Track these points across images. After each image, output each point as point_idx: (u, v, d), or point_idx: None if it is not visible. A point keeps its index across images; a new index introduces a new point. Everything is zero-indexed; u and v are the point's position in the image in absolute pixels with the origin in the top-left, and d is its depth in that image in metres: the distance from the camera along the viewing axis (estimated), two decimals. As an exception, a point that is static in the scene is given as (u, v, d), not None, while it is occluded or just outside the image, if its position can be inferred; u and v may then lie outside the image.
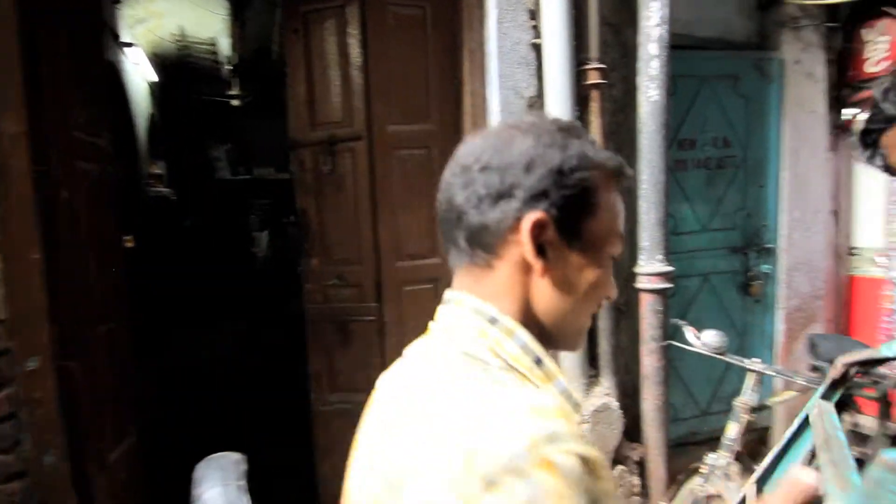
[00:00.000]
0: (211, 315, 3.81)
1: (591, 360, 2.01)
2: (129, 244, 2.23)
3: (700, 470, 1.59)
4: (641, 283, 1.95)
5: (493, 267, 0.51)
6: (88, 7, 1.99)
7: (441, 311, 0.55)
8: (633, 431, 2.03)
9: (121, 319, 1.92)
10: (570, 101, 1.94)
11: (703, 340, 1.64)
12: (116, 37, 3.39)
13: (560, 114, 1.94)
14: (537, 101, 2.02)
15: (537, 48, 2.00)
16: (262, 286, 4.18)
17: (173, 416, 2.84)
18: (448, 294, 0.55)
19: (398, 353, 2.16)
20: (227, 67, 5.42)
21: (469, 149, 0.53)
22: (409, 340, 2.06)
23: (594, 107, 2.02)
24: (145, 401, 2.24)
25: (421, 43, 2.07)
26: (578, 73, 1.99)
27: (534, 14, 1.99)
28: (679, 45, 2.19)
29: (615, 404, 1.94)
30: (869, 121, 0.77)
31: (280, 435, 2.67)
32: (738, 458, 1.56)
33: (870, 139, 0.80)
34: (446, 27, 2.08)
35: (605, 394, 1.96)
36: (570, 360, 1.95)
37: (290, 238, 4.51)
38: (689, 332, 1.72)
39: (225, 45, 5.35)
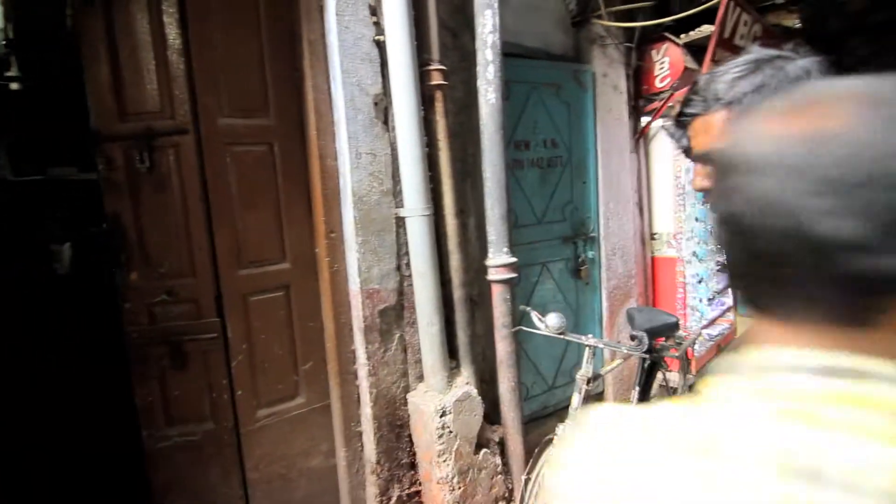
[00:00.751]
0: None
1: (451, 353, 2.07)
2: None
3: (553, 441, 1.74)
4: (491, 274, 2.07)
5: (875, 325, 0.36)
6: None
7: (850, 389, 0.35)
8: (492, 414, 2.15)
9: None
10: (415, 100, 1.96)
11: (547, 323, 1.80)
12: None
13: (407, 113, 1.95)
14: (384, 99, 2.01)
15: (380, 45, 1.98)
16: (67, 309, 3.47)
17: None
18: (841, 361, 0.36)
19: (248, 372, 1.96)
20: (0, 43, 4.37)
21: (838, 148, 0.34)
22: (261, 355, 1.88)
23: (438, 107, 2.08)
24: None
25: (253, 30, 1.90)
26: (422, 74, 2.02)
27: (374, 10, 1.96)
28: (510, 53, 2.37)
29: (475, 392, 2.03)
30: (688, 104, 0.82)
31: (105, 483, 2.25)
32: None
33: (684, 120, 0.84)
34: (282, 15, 1.94)
35: (465, 383, 2.04)
36: (432, 354, 1.98)
37: (101, 250, 3.82)
38: (534, 317, 1.87)
39: (-5, 15, 4.31)
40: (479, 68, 2.08)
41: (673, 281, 3.07)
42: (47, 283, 3.82)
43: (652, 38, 3.20)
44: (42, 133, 4.57)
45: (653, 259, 3.19)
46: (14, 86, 4.45)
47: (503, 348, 2.10)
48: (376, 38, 1.98)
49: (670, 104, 3.25)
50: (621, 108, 3.06)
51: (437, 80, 2.06)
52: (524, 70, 2.61)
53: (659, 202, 3.24)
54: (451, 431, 1.96)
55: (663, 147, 3.22)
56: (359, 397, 2.01)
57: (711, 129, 0.79)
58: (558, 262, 2.75)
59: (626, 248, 2.99)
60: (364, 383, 1.97)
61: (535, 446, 2.02)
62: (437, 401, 1.95)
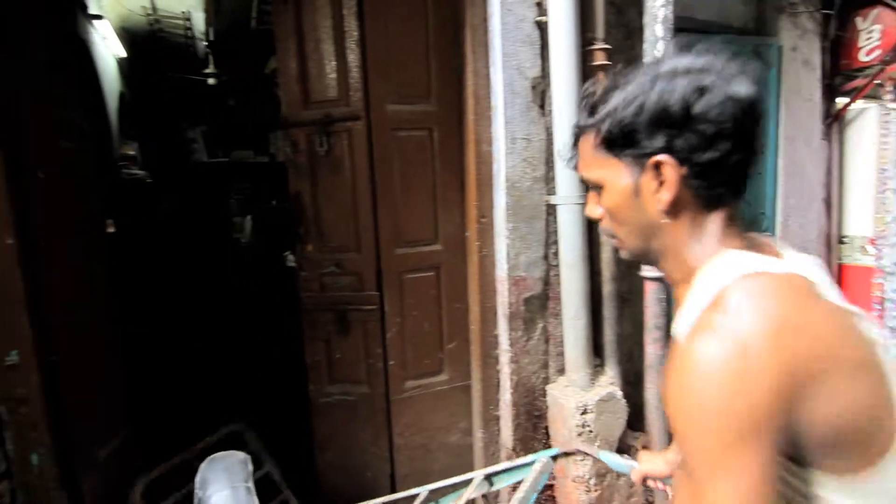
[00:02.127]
0: (198, 304, 3.65)
1: (597, 350, 1.98)
2: (111, 229, 2.08)
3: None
4: (646, 270, 1.92)
5: None
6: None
7: None
8: (635, 420, 2.03)
9: (106, 309, 1.79)
10: (576, 81, 1.88)
11: (717, 329, 1.62)
12: (84, 8, 3.17)
13: (566, 96, 1.88)
14: (542, 82, 1.96)
15: (542, 26, 1.93)
16: (248, 273, 4.03)
17: (165, 409, 2.71)
18: None
19: (400, 344, 2.09)
20: (203, 44, 5.16)
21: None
22: (412, 330, 2.00)
23: (600, 89, 1.96)
24: (135, 393, 2.11)
25: (420, 18, 1.98)
26: (584, 54, 1.93)
27: (538, -10, 1.91)
28: (680, 28, 2.14)
29: (620, 394, 1.93)
30: (579, 114, 0.69)
31: (278, 426, 2.57)
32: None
33: (575, 135, 0.70)
34: (447, 2, 1.98)
35: (609, 383, 1.94)
36: (576, 349, 1.92)
37: (274, 224, 4.37)
38: (700, 321, 1.70)
39: (199, 20, 5.08)
40: (647, 46, 1.91)
41: (867, 295, 2.58)
42: (233, 249, 4.48)
43: (857, 2, 2.67)
44: (227, 121, 5.35)
45: (840, 267, 2.71)
46: (211, 81, 5.26)
47: (654, 351, 1.95)
48: (538, 19, 1.93)
49: (878, 81, 2.71)
50: (812, 86, 2.62)
51: (600, 59, 1.94)
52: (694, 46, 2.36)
53: (853, 200, 2.73)
54: (591, 430, 1.88)
55: (864, 133, 2.70)
56: (498, 382, 2.03)
57: (584, 154, 0.68)
58: (720, 262, 2.46)
59: (808, 252, 2.58)
60: (505, 369, 1.98)
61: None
62: (579, 397, 1.89)
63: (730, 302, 0.57)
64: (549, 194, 1.97)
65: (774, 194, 2.54)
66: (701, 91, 0.60)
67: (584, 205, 1.91)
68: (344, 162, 1.92)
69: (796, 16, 2.60)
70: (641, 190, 0.65)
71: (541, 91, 1.97)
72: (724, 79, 0.60)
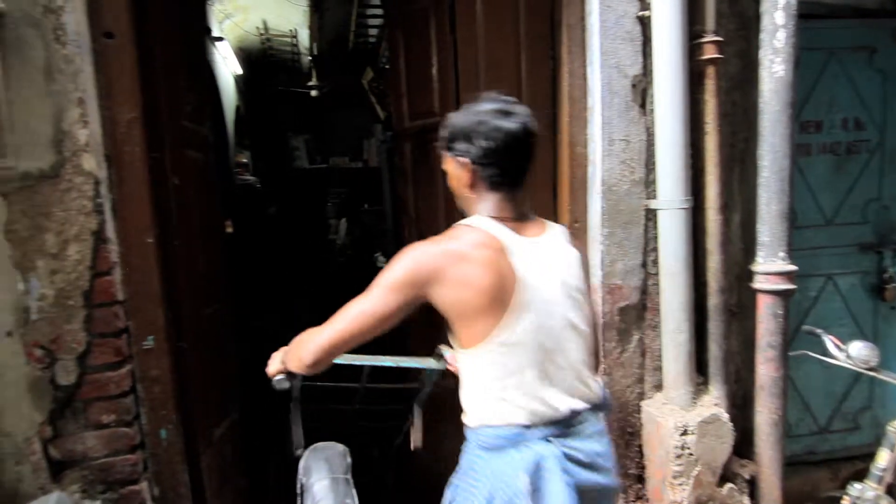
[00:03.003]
0: (301, 298, 3.92)
1: (699, 367, 1.83)
2: (229, 230, 2.32)
3: (841, 501, 1.39)
4: (759, 282, 1.75)
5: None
6: (192, 1, 2.05)
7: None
8: (742, 446, 1.85)
9: (224, 301, 1.99)
10: (682, 78, 1.76)
11: (850, 353, 1.42)
12: (209, 32, 3.54)
13: (670, 94, 1.77)
14: (643, 80, 1.86)
15: (643, 21, 1.83)
16: (344, 271, 4.27)
17: (266, 395, 2.93)
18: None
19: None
20: (307, 59, 5.54)
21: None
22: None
23: (710, 85, 1.82)
24: (243, 379, 2.31)
25: (513, 22, 1.96)
26: (691, 48, 1.80)
27: (641, -16, 1.82)
28: (804, 14, 1.92)
29: (725, 416, 1.77)
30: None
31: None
32: (891, 490, 1.35)
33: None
34: (541, 3, 1.95)
35: (714, 404, 1.79)
36: (677, 364, 1.79)
37: (367, 226, 4.58)
38: (829, 343, 1.51)
39: (304, 37, 5.47)
40: (765, 35, 1.74)
41: None
42: (329, 250, 4.77)
43: None
44: (327, 129, 5.71)
45: None
46: (313, 93, 5.64)
47: (766, 372, 1.76)
48: (640, 13, 1.83)
49: None
50: (974, 73, 2.23)
51: (709, 53, 1.80)
52: (820, 33, 2.11)
53: None
54: (691, 454, 1.75)
55: None
56: (589, 394, 1.95)
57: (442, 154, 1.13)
58: (850, 276, 2.17)
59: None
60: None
61: (795, 497, 1.66)
62: (678, 417, 1.76)
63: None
64: (649, 198, 1.86)
65: (923, 199, 2.19)
66: (479, 123, 1.02)
67: (686, 209, 1.80)
68: (436, 168, 1.95)
69: (953, -9, 2.23)
70: (458, 176, 1.07)
71: (641, 90, 1.87)
72: (496, 117, 1.02)
